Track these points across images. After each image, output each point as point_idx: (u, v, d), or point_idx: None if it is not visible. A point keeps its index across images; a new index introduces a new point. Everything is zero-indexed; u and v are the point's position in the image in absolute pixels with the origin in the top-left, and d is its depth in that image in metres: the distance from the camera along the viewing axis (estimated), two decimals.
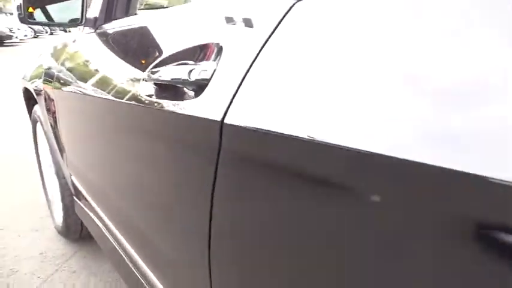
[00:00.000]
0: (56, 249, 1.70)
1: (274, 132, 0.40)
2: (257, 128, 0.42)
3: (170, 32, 0.75)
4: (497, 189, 0.24)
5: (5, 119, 3.85)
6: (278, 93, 0.42)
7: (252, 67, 0.46)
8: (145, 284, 0.84)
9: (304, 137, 0.37)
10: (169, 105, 0.60)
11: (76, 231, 1.64)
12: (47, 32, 20.72)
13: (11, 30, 14.90)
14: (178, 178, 0.62)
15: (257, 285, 0.49)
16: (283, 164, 0.41)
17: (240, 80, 0.46)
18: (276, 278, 0.45)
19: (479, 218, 0.26)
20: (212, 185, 0.50)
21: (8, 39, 14.53)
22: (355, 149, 0.33)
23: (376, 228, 0.33)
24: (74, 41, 1.36)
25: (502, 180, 0.24)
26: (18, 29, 15.83)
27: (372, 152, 0.32)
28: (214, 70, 0.52)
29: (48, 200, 1.91)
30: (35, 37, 18.70)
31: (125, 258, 0.96)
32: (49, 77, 1.40)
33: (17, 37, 15.46)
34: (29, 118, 1.93)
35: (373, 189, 0.33)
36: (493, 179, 0.24)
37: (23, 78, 1.79)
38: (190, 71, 0.55)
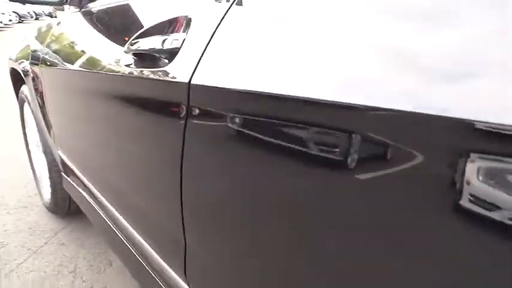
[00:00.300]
0: (44, 224, 1.76)
1: (233, 88, 0.47)
2: (218, 86, 0.49)
3: (148, 8, 0.82)
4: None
5: None
6: (236, 57, 0.50)
7: (214, 36, 0.53)
8: (132, 250, 0.91)
9: (251, 90, 0.44)
10: (146, 72, 0.67)
11: (64, 206, 1.70)
12: (32, 17, 20.28)
13: None
14: (154, 139, 0.69)
15: (224, 231, 0.57)
16: (239, 116, 0.48)
17: (204, 47, 0.54)
18: (243, 224, 0.52)
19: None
20: (182, 140, 0.57)
21: None
22: (315, 99, 0.37)
23: (343, 178, 0.36)
24: (59, 22, 1.41)
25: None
26: (3, 14, 15.48)
27: (329, 101, 0.36)
28: (184, 39, 0.59)
29: (36, 179, 1.96)
30: (20, 22, 18.30)
31: (110, 224, 1.03)
32: (36, 57, 1.45)
33: (1, 22, 15.13)
34: (16, 98, 1.96)
35: (337, 139, 0.36)
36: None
37: (10, 59, 1.83)
38: (164, 41, 0.63)
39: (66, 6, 1.31)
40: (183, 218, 0.64)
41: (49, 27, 1.51)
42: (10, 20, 16.78)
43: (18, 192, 2.04)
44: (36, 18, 20.65)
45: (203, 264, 0.64)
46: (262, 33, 0.48)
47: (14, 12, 17.48)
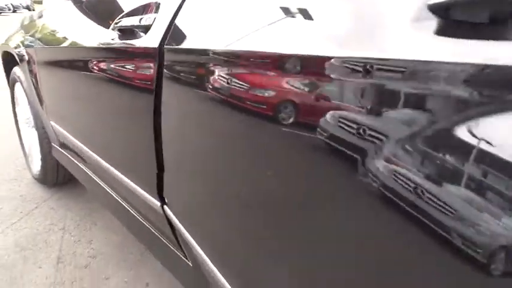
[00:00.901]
0: (34, 193, 1.95)
1: (191, 48, 0.70)
2: (180, 48, 0.73)
3: None
4: None
5: None
6: (192, 30, 0.73)
7: (178, 15, 0.76)
8: (117, 197, 1.12)
9: (203, 48, 0.67)
10: (127, 44, 0.90)
11: (53, 176, 1.90)
12: (9, 10, 19.95)
13: None
14: (134, 93, 0.91)
15: (192, 162, 0.77)
16: (193, 70, 0.71)
17: (169, 22, 0.77)
18: (205, 159, 0.71)
19: None
20: (154, 90, 0.80)
21: None
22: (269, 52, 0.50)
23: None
24: (50, 9, 1.61)
25: None
26: None
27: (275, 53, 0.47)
28: (155, 18, 0.82)
29: (25, 153, 2.14)
30: None
31: (98, 179, 1.25)
32: (31, 40, 1.65)
33: None
34: (6, 79, 2.14)
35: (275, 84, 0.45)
36: None
37: (3, 43, 2.01)
38: (141, 19, 0.86)
39: None
40: (162, 155, 0.84)
41: (43, 13, 1.71)
42: None
43: (8, 166, 2.22)
44: (14, 11, 20.33)
45: (178, 188, 0.86)
46: (212, 14, 0.71)
47: None
